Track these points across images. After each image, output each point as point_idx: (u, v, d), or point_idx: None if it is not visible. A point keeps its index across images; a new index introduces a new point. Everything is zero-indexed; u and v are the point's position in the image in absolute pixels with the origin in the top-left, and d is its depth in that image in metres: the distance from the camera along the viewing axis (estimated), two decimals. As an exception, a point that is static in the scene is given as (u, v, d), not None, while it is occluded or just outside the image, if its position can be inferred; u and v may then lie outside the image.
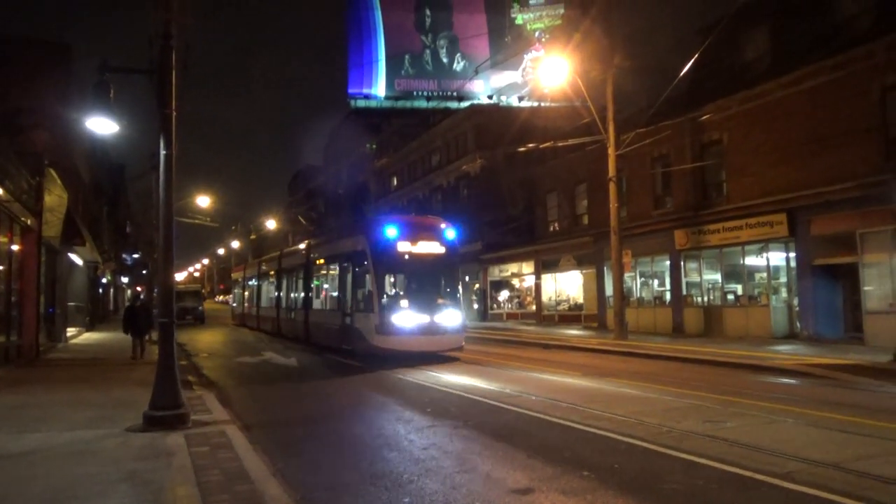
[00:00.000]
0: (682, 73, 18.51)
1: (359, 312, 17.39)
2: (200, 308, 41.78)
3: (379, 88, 47.98)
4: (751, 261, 22.53)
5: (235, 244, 77.65)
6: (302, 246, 26.13)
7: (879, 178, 16.67)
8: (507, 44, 47.07)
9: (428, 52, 48.70)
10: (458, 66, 48.26)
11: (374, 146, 60.65)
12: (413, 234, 17.32)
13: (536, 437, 7.93)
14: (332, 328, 19.56)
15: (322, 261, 22.12)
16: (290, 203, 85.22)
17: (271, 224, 63.32)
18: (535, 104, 41.92)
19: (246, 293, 37.22)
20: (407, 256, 17.10)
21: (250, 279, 35.70)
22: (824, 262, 19.59)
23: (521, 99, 45.18)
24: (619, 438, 7.60)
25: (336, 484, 6.14)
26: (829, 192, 18.59)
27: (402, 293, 17.21)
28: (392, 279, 17.60)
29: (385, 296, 16.88)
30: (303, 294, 23.68)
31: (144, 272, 38.61)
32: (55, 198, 18.12)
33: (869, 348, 17.02)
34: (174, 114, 8.66)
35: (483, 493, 5.72)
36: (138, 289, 42.55)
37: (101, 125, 9.43)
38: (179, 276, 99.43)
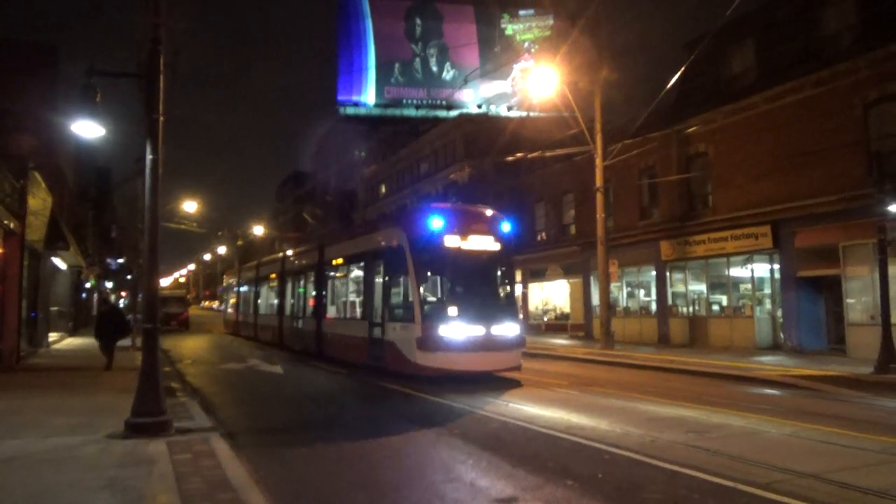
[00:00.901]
0: (668, 86, 18.69)
1: (394, 322, 14.51)
2: (185, 314, 41.43)
3: (368, 96, 48.07)
4: (735, 272, 22.72)
5: (222, 250, 77.17)
6: (311, 246, 23.59)
7: (862, 191, 16.89)
8: (496, 54, 47.38)
9: (418, 60, 48.91)
10: (448, 75, 48.50)
11: (362, 154, 60.67)
12: (462, 225, 14.39)
13: (520, 447, 7.93)
14: (354, 341, 16.69)
15: (340, 261, 18.98)
16: (278, 210, 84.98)
17: (259, 230, 63.06)
18: (524, 114, 42.15)
19: (240, 299, 34.34)
20: (455, 254, 14.14)
21: (246, 284, 32.87)
22: (808, 274, 19.80)
23: (509, 108, 45.43)
24: (603, 448, 7.61)
25: (318, 494, 6.11)
26: (812, 205, 18.82)
27: (450, 299, 13.98)
28: (437, 282, 14.56)
29: (429, 302, 14.10)
30: (314, 300, 20.87)
31: (129, 277, 38.27)
32: (39, 201, 17.95)
33: (850, 360, 17.20)
34: (161, 119, 8.62)
35: (467, 500, 5.70)
36: (106, 287, 40.64)
37: (87, 129, 9.37)
38: (165, 282, 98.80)
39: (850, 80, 18.31)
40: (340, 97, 47.89)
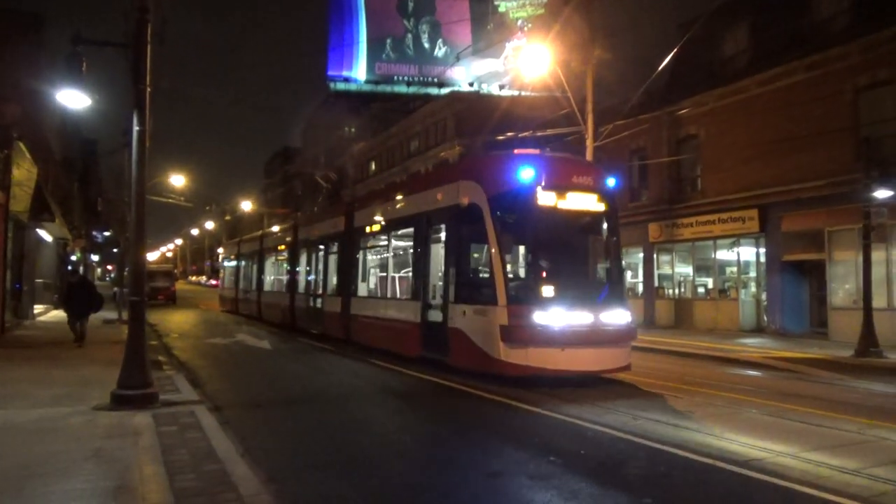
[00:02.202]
0: (660, 67, 18.63)
1: (462, 304, 11.28)
2: (172, 288, 41.28)
3: (359, 71, 47.58)
4: (722, 255, 22.90)
5: (210, 225, 76.75)
6: (333, 210, 20.18)
7: (849, 177, 16.99)
8: (489, 31, 46.94)
9: (409, 36, 48.38)
10: (440, 52, 48.06)
11: (352, 130, 60.24)
12: (560, 178, 11.16)
13: (505, 425, 7.99)
14: (398, 326, 13.62)
15: (376, 227, 15.74)
16: (266, 185, 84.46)
17: (247, 205, 62.71)
18: (516, 93, 41.92)
19: (241, 273, 30.64)
20: (551, 215, 10.97)
21: (248, 256, 29.34)
22: (793, 259, 19.99)
23: (501, 87, 45.14)
24: (586, 426, 7.72)
25: (305, 465, 6.17)
26: (800, 189, 18.93)
27: (544, 275, 10.78)
28: (526, 252, 11.36)
29: (517, 279, 11.12)
30: (340, 275, 17.71)
31: (115, 250, 37.97)
32: (24, 172, 17.72)
33: (832, 343, 17.45)
34: (148, 89, 8.51)
35: (459, 474, 5.77)
36: (73, 258, 38.98)
37: (73, 98, 9.26)
38: (152, 256, 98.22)
39: (841, 66, 18.33)
40: (330, 72, 47.34)
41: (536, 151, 11.72)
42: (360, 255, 16.76)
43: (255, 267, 27.81)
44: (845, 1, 19.38)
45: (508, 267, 10.88)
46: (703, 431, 7.37)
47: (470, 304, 11.15)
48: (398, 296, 14.47)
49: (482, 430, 7.95)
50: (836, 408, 9.00)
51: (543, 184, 10.84)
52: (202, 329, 23.30)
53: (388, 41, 47.81)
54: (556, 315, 10.18)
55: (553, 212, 10.96)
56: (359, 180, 56.66)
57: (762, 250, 21.18)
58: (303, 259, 21.41)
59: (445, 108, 43.53)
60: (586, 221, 11.63)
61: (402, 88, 47.55)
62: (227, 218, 69.35)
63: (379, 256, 16.22)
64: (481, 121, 38.90)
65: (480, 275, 11.49)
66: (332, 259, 18.49)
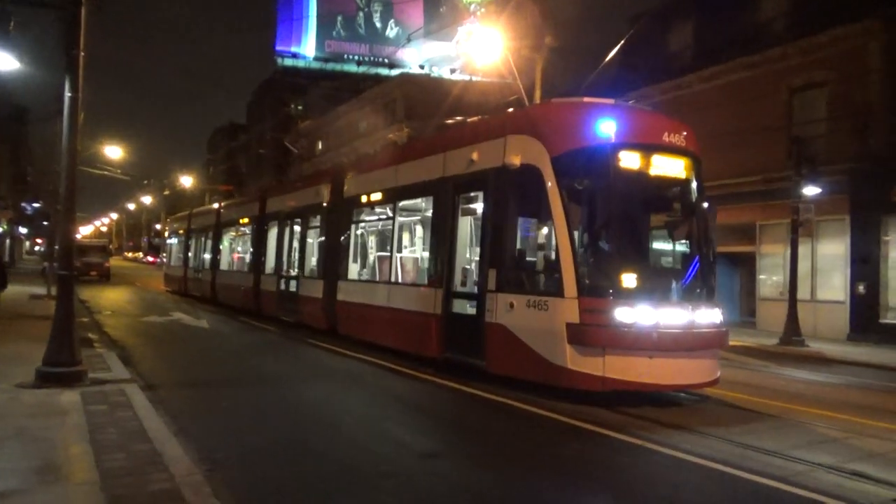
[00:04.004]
0: (607, 59, 18.90)
1: (509, 295, 8.76)
2: (106, 264, 39.83)
3: (308, 48, 46.66)
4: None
5: (147, 200, 74.16)
6: (316, 176, 17.30)
7: (781, 174, 17.73)
8: (441, 14, 46.73)
9: (361, 14, 47.70)
10: (392, 32, 47.58)
11: (299, 107, 59.14)
12: (648, 136, 8.89)
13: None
14: (411, 318, 10.88)
15: (376, 195, 12.93)
16: (209, 161, 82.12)
17: (188, 181, 60.85)
18: (467, 78, 41.93)
19: (192, 250, 27.53)
20: (637, 183, 8.68)
21: (200, 232, 26.63)
22: (726, 251, 20.73)
23: (452, 71, 45.06)
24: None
25: (241, 445, 6.09)
26: (737, 184, 19.61)
27: (625, 260, 8.44)
28: (601, 230, 8.35)
29: (586, 263, 8.22)
30: (322, 254, 15.26)
31: (46, 223, 36.37)
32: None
33: (760, 332, 18.29)
34: (82, 55, 8.13)
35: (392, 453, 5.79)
36: None
37: (1, 60, 8.76)
38: (85, 230, 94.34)
39: (779, 66, 19.03)
40: (278, 47, 46.33)
41: (610, 102, 9.34)
42: (352, 231, 13.99)
43: (210, 243, 25.02)
44: (786, 3, 20.10)
45: (581, 248, 8.21)
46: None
47: (520, 294, 8.64)
48: (408, 280, 11.95)
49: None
50: (760, 392, 9.46)
51: (628, 141, 8.55)
52: (137, 307, 22.59)
53: (339, 18, 47.02)
54: (644, 312, 7.76)
55: (639, 178, 8.58)
56: (305, 159, 55.73)
57: (698, 242, 21.90)
58: (272, 235, 18.55)
59: (396, 90, 43.14)
60: (677, 192, 9.24)
61: (353, 67, 46.95)
62: (167, 193, 67.13)
63: (379, 233, 13.88)
64: (432, 104, 38.73)
65: (537, 257, 9.11)
66: (313, 235, 16.01)
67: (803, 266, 17.11)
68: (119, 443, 5.43)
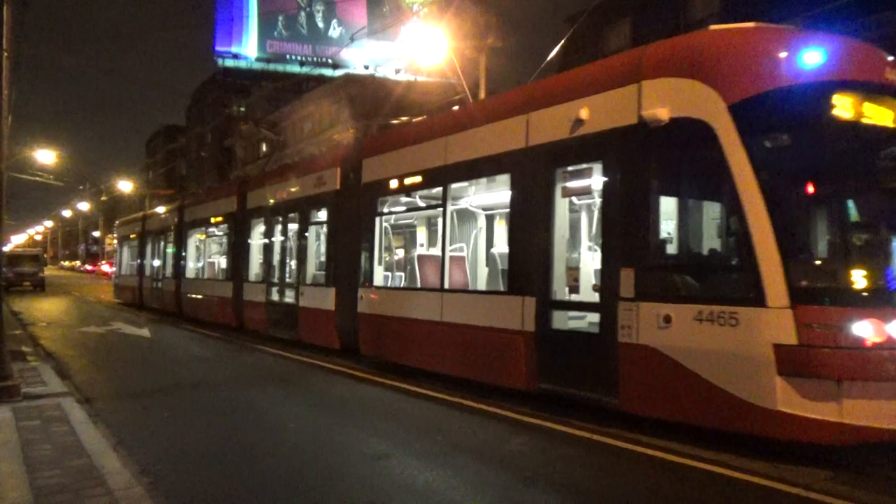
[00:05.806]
0: (548, 59, 19.21)
1: (661, 304, 6.22)
2: (40, 274, 38.29)
3: (249, 48, 45.87)
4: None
5: (84, 206, 71.47)
6: (323, 160, 13.52)
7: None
8: (384, 14, 46.59)
9: (303, 14, 47.17)
10: (335, 32, 47.20)
11: (241, 109, 58.07)
12: (867, 73, 6.15)
13: (397, 410, 8.03)
14: (482, 336, 8.30)
15: (412, 179, 9.96)
16: (148, 164, 79.70)
17: (126, 186, 58.92)
18: (411, 78, 41.94)
19: (150, 256, 24.06)
20: (857, 140, 6.11)
21: (158, 236, 23.20)
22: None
23: (397, 72, 44.98)
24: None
25: (182, 455, 5.94)
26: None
27: (859, 252, 6.12)
28: (809, 208, 6.29)
29: (793, 257, 5.70)
30: (334, 257, 12.18)
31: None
32: None
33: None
34: (5, 55, 7.80)
35: (340, 459, 5.77)
36: None
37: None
38: (17, 239, 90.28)
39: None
40: (218, 47, 45.36)
41: (798, 31, 6.47)
42: (377, 226, 10.82)
43: (171, 248, 21.69)
44: (715, 4, 20.83)
45: (781, 232, 5.61)
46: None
47: (682, 304, 6.11)
48: (475, 286, 9.94)
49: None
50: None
51: (845, 79, 5.98)
52: (75, 317, 21.76)
53: (280, 18, 46.39)
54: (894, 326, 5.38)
55: (860, 132, 6.01)
56: (248, 161, 54.73)
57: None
58: (258, 234, 15.73)
59: (339, 90, 42.83)
60: None
61: (295, 68, 46.38)
62: (104, 198, 64.81)
63: (421, 226, 11.64)
64: (376, 104, 38.64)
65: (708, 248, 6.68)
66: (318, 233, 13.16)
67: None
68: (54, 458, 5.23)
